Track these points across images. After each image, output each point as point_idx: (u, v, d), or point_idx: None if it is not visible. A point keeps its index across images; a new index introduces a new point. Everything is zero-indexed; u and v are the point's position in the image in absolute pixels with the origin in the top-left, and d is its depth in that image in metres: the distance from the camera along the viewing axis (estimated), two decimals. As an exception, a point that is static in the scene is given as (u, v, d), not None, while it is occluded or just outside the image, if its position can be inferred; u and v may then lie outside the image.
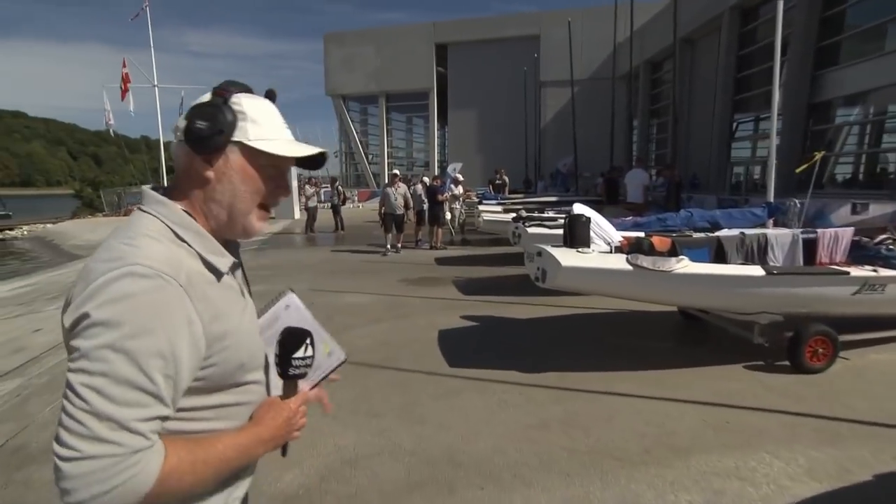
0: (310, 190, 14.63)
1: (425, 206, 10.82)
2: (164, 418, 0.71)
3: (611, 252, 3.89)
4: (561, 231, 4.84)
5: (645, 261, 3.46)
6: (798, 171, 7.19)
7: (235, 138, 0.82)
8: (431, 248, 10.53)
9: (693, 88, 18.32)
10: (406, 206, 10.12)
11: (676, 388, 3.47)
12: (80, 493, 0.63)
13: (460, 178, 12.54)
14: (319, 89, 32.19)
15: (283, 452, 0.93)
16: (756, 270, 3.39)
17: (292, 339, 0.90)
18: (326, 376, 0.95)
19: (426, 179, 11.83)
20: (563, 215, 7.57)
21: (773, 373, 3.67)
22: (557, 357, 4.11)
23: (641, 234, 5.14)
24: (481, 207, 10.89)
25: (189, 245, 0.79)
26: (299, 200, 17.52)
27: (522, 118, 22.77)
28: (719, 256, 4.10)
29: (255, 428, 0.83)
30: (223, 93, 0.83)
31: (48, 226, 24.11)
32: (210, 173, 0.82)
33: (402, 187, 10.15)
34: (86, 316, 0.67)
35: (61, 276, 9.20)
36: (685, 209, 6.62)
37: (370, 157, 33.68)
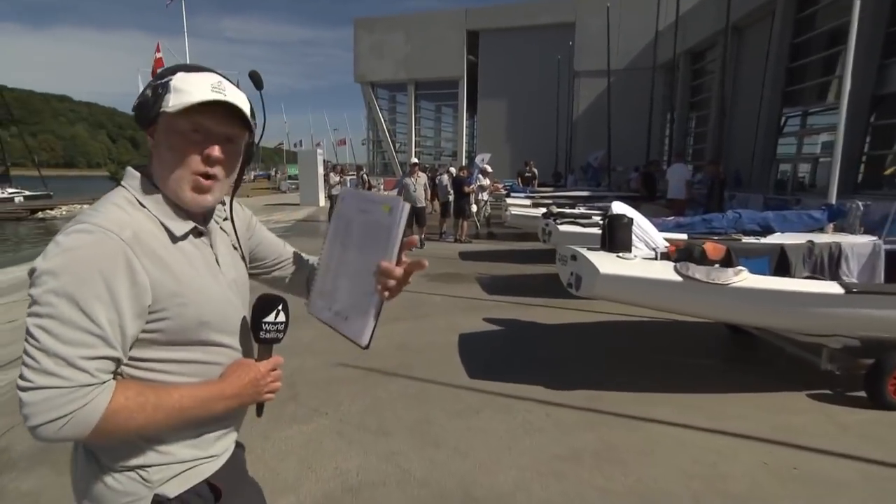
0: (334, 178, 14.42)
1: (451, 198, 10.44)
2: (115, 360, 0.78)
3: (656, 258, 3.44)
4: (596, 230, 4.41)
5: (697, 271, 3.00)
6: (888, 172, 6.47)
7: (161, 110, 0.84)
8: (456, 241, 10.18)
9: (738, 79, 17.22)
10: (430, 197, 9.71)
11: (727, 417, 3.02)
12: (34, 419, 0.72)
13: (488, 168, 12.09)
14: (349, 77, 32.04)
15: (259, 412, 1.00)
16: (833, 287, 2.88)
17: (265, 304, 0.94)
18: (402, 235, 0.92)
19: (452, 170, 11.41)
20: (597, 212, 7.11)
21: (847, 406, 3.15)
22: (588, 372, 3.71)
23: (684, 237, 4.66)
24: (509, 200, 10.46)
25: (149, 211, 0.86)
26: (324, 188, 17.43)
27: (554, 109, 22.06)
28: (780, 267, 3.59)
29: (219, 383, 0.89)
30: (166, 73, 0.86)
31: (85, 206, 24.58)
32: (151, 146, 0.89)
33: (423, 177, 9.70)
34: (36, 268, 0.75)
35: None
36: (731, 209, 6.04)
37: (397, 145, 33.44)
